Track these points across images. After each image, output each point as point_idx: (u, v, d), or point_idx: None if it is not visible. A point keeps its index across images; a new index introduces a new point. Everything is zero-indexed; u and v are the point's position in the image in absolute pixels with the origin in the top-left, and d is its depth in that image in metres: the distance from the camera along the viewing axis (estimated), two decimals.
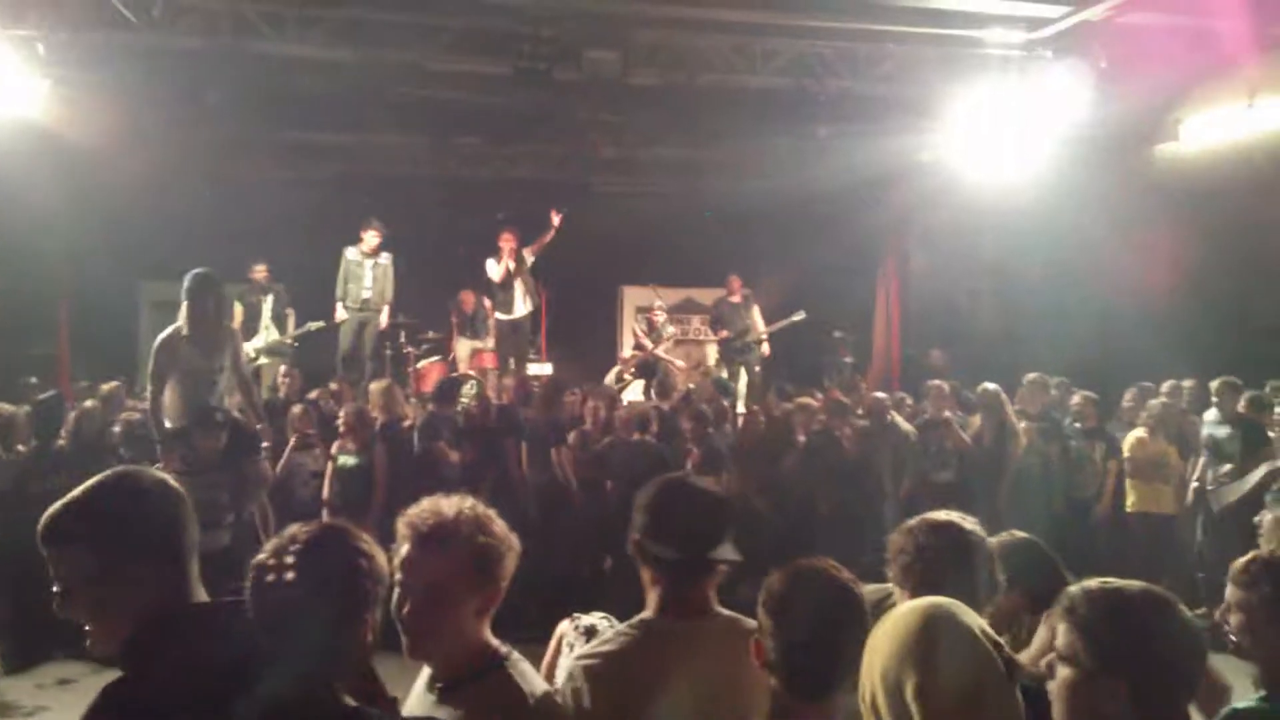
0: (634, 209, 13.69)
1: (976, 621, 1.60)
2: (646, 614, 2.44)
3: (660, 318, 12.44)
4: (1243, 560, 2.88)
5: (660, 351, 12.21)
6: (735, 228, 12.90)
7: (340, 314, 11.10)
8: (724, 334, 12.47)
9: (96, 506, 1.95)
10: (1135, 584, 1.82)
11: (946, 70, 9.27)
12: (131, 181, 10.74)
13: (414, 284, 11.69)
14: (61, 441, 8.08)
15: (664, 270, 13.57)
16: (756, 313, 12.50)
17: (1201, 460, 8.46)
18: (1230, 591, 2.86)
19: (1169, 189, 10.06)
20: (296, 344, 11.35)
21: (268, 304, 11.28)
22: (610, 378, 11.91)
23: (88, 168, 9.92)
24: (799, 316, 12.32)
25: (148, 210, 11.29)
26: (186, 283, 7.14)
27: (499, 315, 11.67)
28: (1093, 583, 1.82)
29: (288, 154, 11.97)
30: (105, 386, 9.40)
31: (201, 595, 2.02)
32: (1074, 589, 1.82)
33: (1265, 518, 6.03)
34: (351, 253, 11.10)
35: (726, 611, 2.47)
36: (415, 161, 12.19)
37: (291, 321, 11.50)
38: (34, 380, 10.05)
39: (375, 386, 9.14)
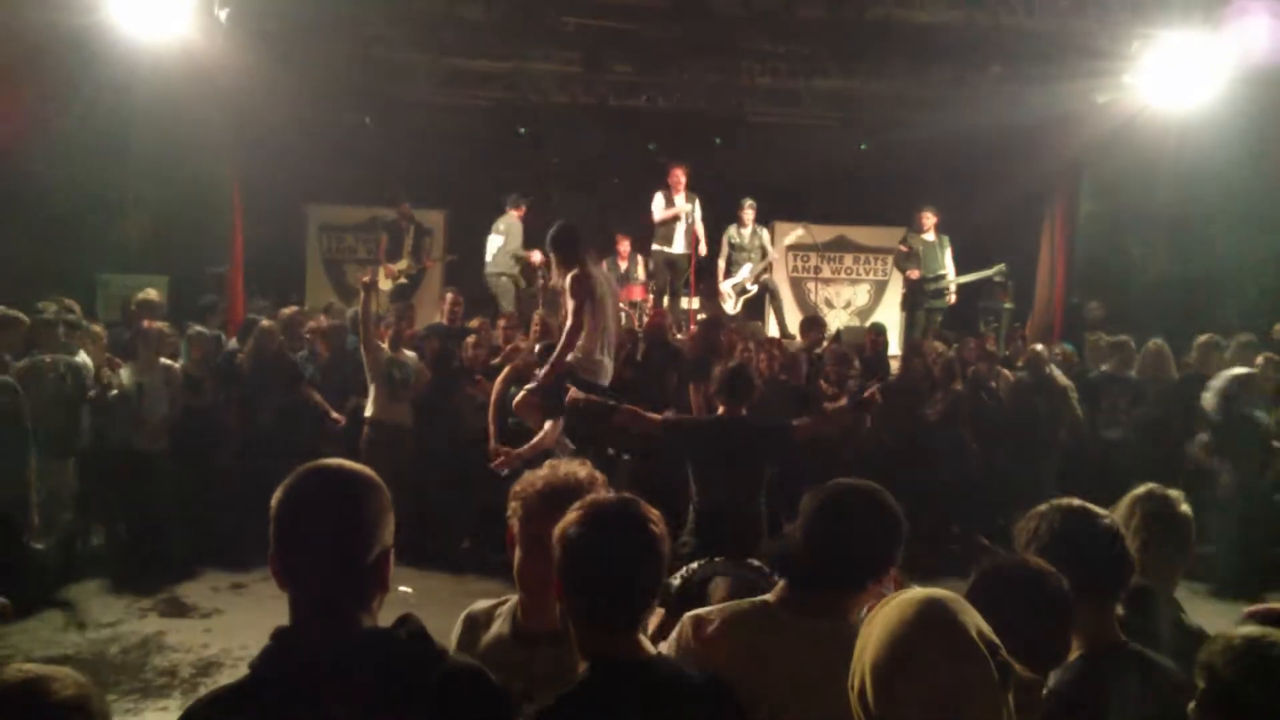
0: (788, 142, 13.39)
1: (975, 620, 1.55)
2: (775, 596, 2.41)
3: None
4: None
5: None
6: (893, 165, 12.46)
7: (502, 278, 11.84)
8: (915, 273, 11.58)
9: None
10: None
11: (1127, 7, 8.73)
12: (298, 109, 11.09)
13: (566, 213, 11.74)
14: (241, 356, 8.71)
15: (816, 206, 13.25)
16: (949, 255, 11.67)
17: None
18: None
19: None
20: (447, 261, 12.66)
21: (410, 235, 12.15)
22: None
23: (257, 96, 10.26)
24: (994, 270, 11.55)
25: (313, 137, 11.68)
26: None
27: (658, 247, 11.58)
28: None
29: (447, 81, 12.13)
30: (285, 310, 9.89)
31: None
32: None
33: None
34: (500, 225, 11.84)
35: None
36: (570, 90, 12.18)
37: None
38: (215, 299, 10.65)
39: (535, 315, 9.46)
